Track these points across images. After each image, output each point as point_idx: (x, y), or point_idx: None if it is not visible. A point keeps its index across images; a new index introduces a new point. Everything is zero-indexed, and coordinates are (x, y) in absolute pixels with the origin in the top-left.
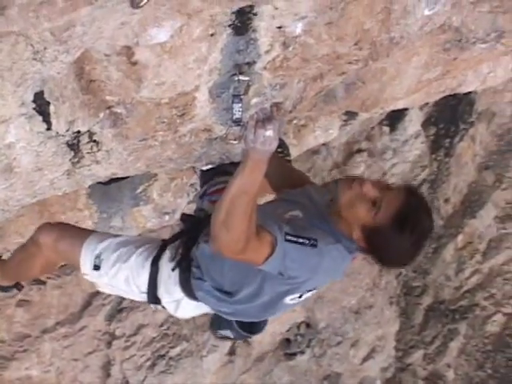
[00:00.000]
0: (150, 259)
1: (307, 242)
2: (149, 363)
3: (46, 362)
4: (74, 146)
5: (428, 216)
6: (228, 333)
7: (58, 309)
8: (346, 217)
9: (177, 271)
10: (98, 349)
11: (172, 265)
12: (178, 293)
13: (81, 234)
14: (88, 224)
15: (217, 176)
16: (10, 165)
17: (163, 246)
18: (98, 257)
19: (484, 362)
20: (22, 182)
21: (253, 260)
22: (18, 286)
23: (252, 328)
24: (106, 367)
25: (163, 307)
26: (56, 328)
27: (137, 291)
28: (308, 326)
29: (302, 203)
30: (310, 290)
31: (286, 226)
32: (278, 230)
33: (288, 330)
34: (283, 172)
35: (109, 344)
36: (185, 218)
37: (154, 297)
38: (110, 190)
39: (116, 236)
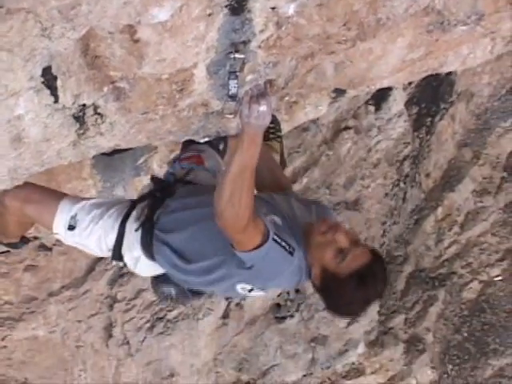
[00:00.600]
0: (120, 219)
1: (288, 247)
2: (148, 325)
3: (51, 323)
4: (79, 119)
5: (382, 283)
6: (171, 290)
7: (64, 273)
8: (313, 252)
9: (139, 232)
10: (100, 311)
11: (136, 225)
12: (138, 251)
13: (52, 195)
14: (92, 193)
15: (193, 145)
16: (19, 135)
17: (132, 206)
18: (73, 217)
19: (461, 326)
20: (30, 151)
21: (246, 242)
22: (25, 240)
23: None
24: (108, 328)
25: (125, 264)
26: (61, 291)
27: (105, 248)
28: (297, 291)
29: (283, 212)
30: (261, 290)
31: (275, 226)
32: (271, 226)
33: (278, 296)
34: (271, 174)
35: (111, 307)
36: (155, 180)
37: (118, 254)
38: (113, 160)
39: (90, 198)
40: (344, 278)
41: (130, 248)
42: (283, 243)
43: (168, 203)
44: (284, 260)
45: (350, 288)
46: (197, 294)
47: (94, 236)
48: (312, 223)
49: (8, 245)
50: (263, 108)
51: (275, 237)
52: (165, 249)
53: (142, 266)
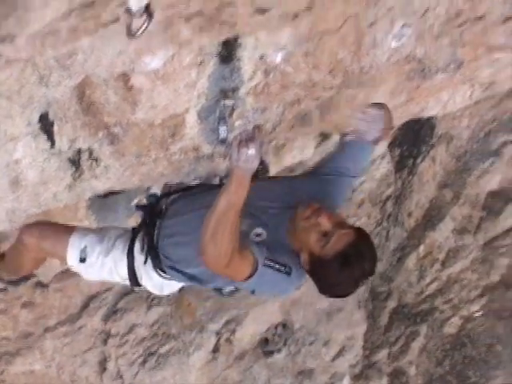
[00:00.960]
0: (126, 251)
1: (283, 268)
2: (141, 359)
3: (47, 357)
4: (75, 162)
5: (370, 261)
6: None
7: (59, 309)
8: (298, 239)
9: (149, 260)
10: (94, 346)
11: (143, 257)
12: (157, 278)
13: (63, 230)
14: None
15: None
16: (18, 178)
17: (133, 237)
18: (83, 250)
19: (443, 360)
20: (27, 194)
21: (236, 275)
22: (24, 277)
23: None
24: (102, 363)
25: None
26: (57, 327)
27: (119, 279)
28: (284, 326)
29: (263, 218)
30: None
31: (267, 250)
32: (259, 253)
33: (266, 330)
34: None
35: (105, 342)
36: (140, 208)
37: (136, 282)
38: (107, 202)
39: (96, 230)
40: (328, 260)
41: (149, 277)
42: (277, 266)
43: (162, 224)
44: (280, 281)
45: (335, 269)
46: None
47: (105, 267)
48: (297, 209)
49: (8, 282)
50: (251, 152)
51: (267, 262)
52: (179, 275)
53: (168, 287)
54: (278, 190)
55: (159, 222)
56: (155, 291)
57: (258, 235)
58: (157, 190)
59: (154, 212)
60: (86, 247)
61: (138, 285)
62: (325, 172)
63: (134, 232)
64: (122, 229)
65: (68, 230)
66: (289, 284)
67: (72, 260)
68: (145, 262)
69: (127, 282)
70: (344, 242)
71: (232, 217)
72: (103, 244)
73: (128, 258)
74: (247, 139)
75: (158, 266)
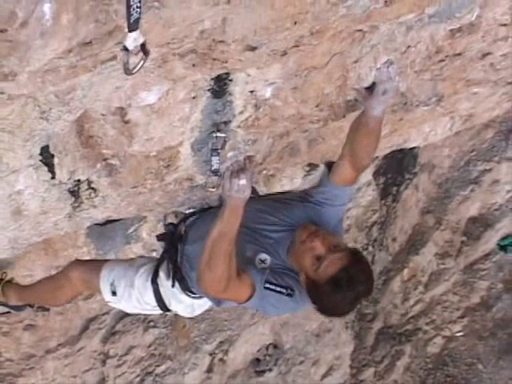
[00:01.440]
0: (149, 279)
1: (284, 291)
2: (138, 379)
3: (49, 378)
4: (74, 193)
5: (363, 283)
6: None
7: (60, 332)
8: (296, 261)
9: (177, 284)
10: (94, 367)
11: (170, 282)
12: (187, 299)
13: (97, 266)
14: None
15: None
16: (19, 208)
17: (157, 264)
18: (112, 284)
19: (426, 378)
20: (29, 223)
21: (235, 299)
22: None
23: None
24: (101, 383)
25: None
26: (58, 349)
27: (149, 307)
28: (275, 347)
29: (264, 242)
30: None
31: (269, 273)
32: (259, 277)
33: (258, 351)
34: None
35: (103, 362)
36: (160, 237)
37: (165, 308)
38: (105, 229)
39: (121, 262)
40: (321, 284)
41: (179, 301)
42: (278, 288)
43: (184, 248)
44: (284, 302)
45: (327, 293)
46: None
47: (133, 298)
48: (295, 232)
49: (13, 307)
50: (243, 182)
51: (267, 285)
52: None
53: (200, 307)
54: (275, 213)
55: (181, 246)
56: (187, 314)
57: (263, 261)
58: (173, 219)
59: (174, 238)
60: (114, 281)
61: (168, 310)
62: (317, 201)
63: (158, 260)
64: (147, 258)
65: (100, 265)
66: (294, 304)
67: (106, 295)
68: (172, 286)
69: (156, 309)
70: (336, 267)
71: (225, 245)
72: (127, 275)
73: (153, 285)
74: (238, 170)
75: (186, 288)
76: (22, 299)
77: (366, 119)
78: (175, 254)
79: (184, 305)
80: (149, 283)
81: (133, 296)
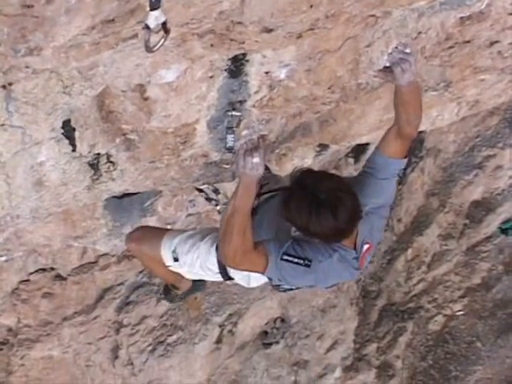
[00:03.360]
0: (215, 245)
1: (302, 262)
2: (150, 348)
3: (65, 344)
4: (94, 166)
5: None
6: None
7: (76, 301)
8: None
9: None
10: (108, 335)
11: None
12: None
13: (156, 235)
14: (103, 231)
15: None
16: (41, 179)
17: None
18: (174, 251)
19: (426, 355)
20: (50, 194)
21: (253, 269)
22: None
23: None
24: (115, 350)
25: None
26: (74, 316)
27: (211, 273)
28: (282, 320)
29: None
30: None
31: (289, 245)
32: (275, 249)
33: (266, 324)
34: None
35: (117, 331)
36: None
37: (227, 275)
38: (122, 202)
39: (183, 231)
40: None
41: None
42: (295, 259)
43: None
44: (303, 272)
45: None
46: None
47: (196, 263)
48: None
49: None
50: (256, 160)
51: (284, 256)
52: None
53: (255, 280)
54: None
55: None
56: (243, 283)
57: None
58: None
59: None
60: (176, 248)
61: (229, 278)
62: (362, 172)
63: None
64: (209, 228)
65: (161, 233)
66: (314, 275)
67: (168, 261)
68: None
69: (219, 276)
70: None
71: (240, 220)
72: (192, 242)
73: (217, 251)
74: (252, 148)
75: None
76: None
77: (398, 89)
78: None
79: (241, 274)
80: (213, 248)
81: (196, 262)
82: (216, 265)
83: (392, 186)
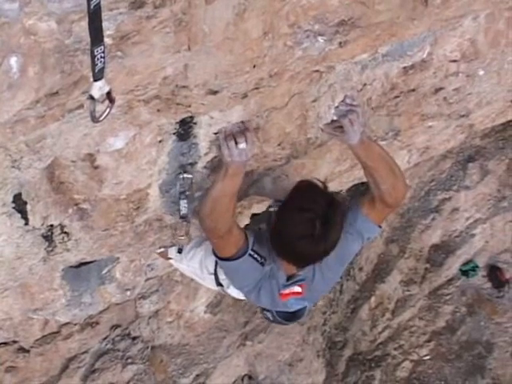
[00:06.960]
0: None
1: (259, 259)
2: None
3: None
4: (48, 237)
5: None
6: (269, 315)
7: (41, 372)
8: None
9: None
10: None
11: None
12: None
13: None
14: (62, 301)
15: None
16: None
17: None
18: None
19: None
20: (4, 269)
21: (221, 249)
22: None
23: (287, 317)
24: None
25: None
26: None
27: (206, 272)
28: (250, 378)
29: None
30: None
31: (256, 243)
32: (251, 242)
33: (234, 382)
34: None
35: None
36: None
37: (218, 282)
38: (80, 271)
39: None
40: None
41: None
42: (258, 257)
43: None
44: (254, 270)
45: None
46: (284, 319)
47: (196, 258)
48: None
49: None
50: (243, 146)
51: (251, 252)
52: None
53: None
54: None
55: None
56: (233, 294)
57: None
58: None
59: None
60: None
61: (220, 284)
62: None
63: None
64: None
65: None
66: (259, 274)
67: (172, 252)
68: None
69: (212, 278)
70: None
71: (227, 200)
72: (198, 239)
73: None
74: (236, 133)
75: None
76: None
77: (354, 153)
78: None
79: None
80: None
81: (197, 256)
82: (213, 264)
83: (355, 245)
